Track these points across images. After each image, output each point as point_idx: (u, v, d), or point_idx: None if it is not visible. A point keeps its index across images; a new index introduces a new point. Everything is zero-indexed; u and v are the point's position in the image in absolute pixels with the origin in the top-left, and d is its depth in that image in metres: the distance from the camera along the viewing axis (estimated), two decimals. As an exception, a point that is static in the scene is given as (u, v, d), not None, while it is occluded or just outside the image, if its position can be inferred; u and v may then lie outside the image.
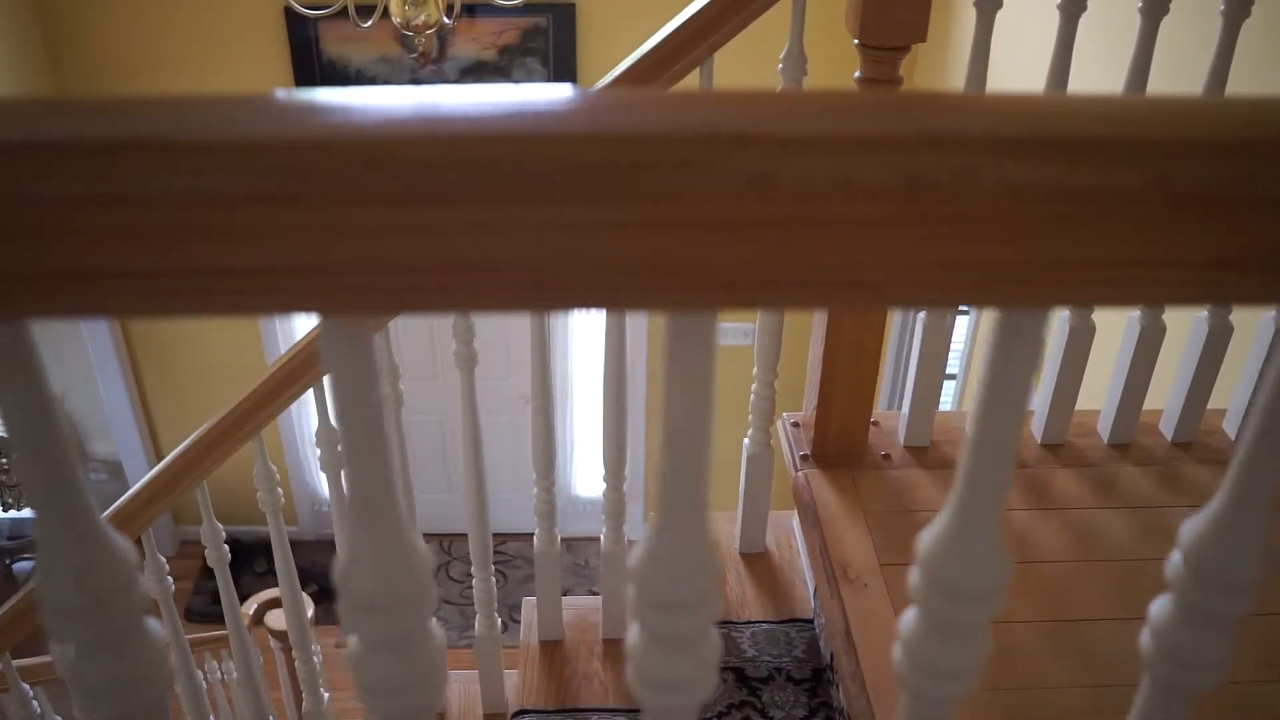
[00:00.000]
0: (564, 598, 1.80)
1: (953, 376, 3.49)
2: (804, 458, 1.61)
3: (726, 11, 1.29)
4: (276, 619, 2.95)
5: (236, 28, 3.78)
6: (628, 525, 1.75)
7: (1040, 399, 1.68)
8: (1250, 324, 1.61)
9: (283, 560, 1.74)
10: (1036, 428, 1.69)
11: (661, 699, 0.46)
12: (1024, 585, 1.45)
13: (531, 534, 1.74)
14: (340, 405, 0.38)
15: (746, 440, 1.65)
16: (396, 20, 2.51)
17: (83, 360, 4.31)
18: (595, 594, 4.70)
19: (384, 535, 0.41)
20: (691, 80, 1.35)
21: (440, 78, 3.82)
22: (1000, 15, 1.37)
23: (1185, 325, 1.61)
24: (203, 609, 4.45)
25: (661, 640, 0.44)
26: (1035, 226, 0.34)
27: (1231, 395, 1.69)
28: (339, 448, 1.63)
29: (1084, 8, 1.36)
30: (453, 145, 0.31)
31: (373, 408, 0.38)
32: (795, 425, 1.67)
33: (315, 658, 1.91)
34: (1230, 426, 1.69)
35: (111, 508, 1.70)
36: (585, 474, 5.00)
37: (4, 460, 4.43)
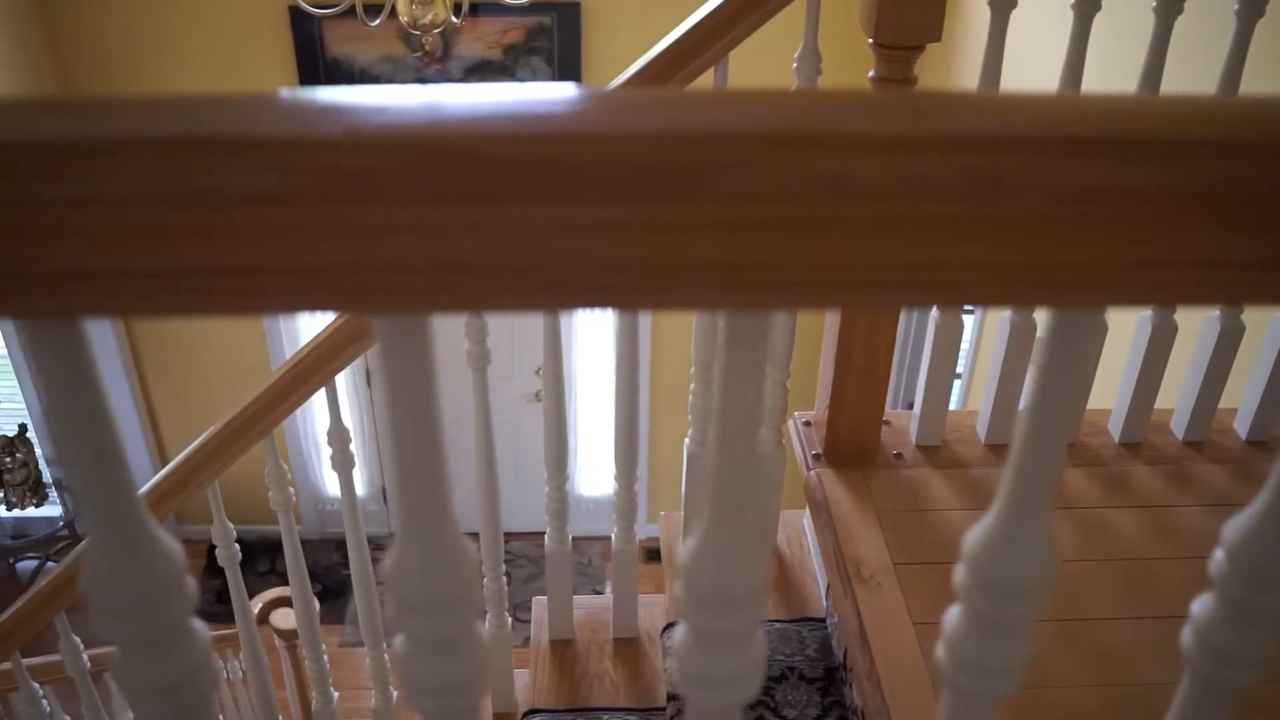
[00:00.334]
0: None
1: (958, 375, 3.50)
2: (816, 457, 1.61)
3: (741, 10, 1.29)
4: (281, 618, 2.95)
5: (241, 27, 3.78)
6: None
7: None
8: (1261, 323, 1.61)
9: (294, 559, 1.73)
10: (1016, 426, 1.69)
11: (707, 697, 0.46)
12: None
13: (533, 533, 1.74)
14: (393, 404, 0.38)
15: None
16: (404, 19, 2.51)
17: (86, 359, 4.31)
18: (599, 593, 4.71)
19: (433, 536, 0.41)
20: (706, 80, 1.35)
21: (445, 77, 3.82)
22: (985, 16, 1.37)
23: (1196, 324, 1.62)
24: (205, 608, 4.45)
25: (708, 638, 0.44)
26: (1100, 226, 0.34)
27: (1243, 395, 1.69)
28: (348, 449, 1.63)
29: (1098, 7, 1.36)
30: (522, 144, 0.31)
31: (426, 407, 0.38)
32: (807, 424, 1.67)
33: (324, 657, 1.91)
34: (1241, 426, 1.70)
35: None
36: (588, 473, 5.01)
37: (7, 460, 4.42)
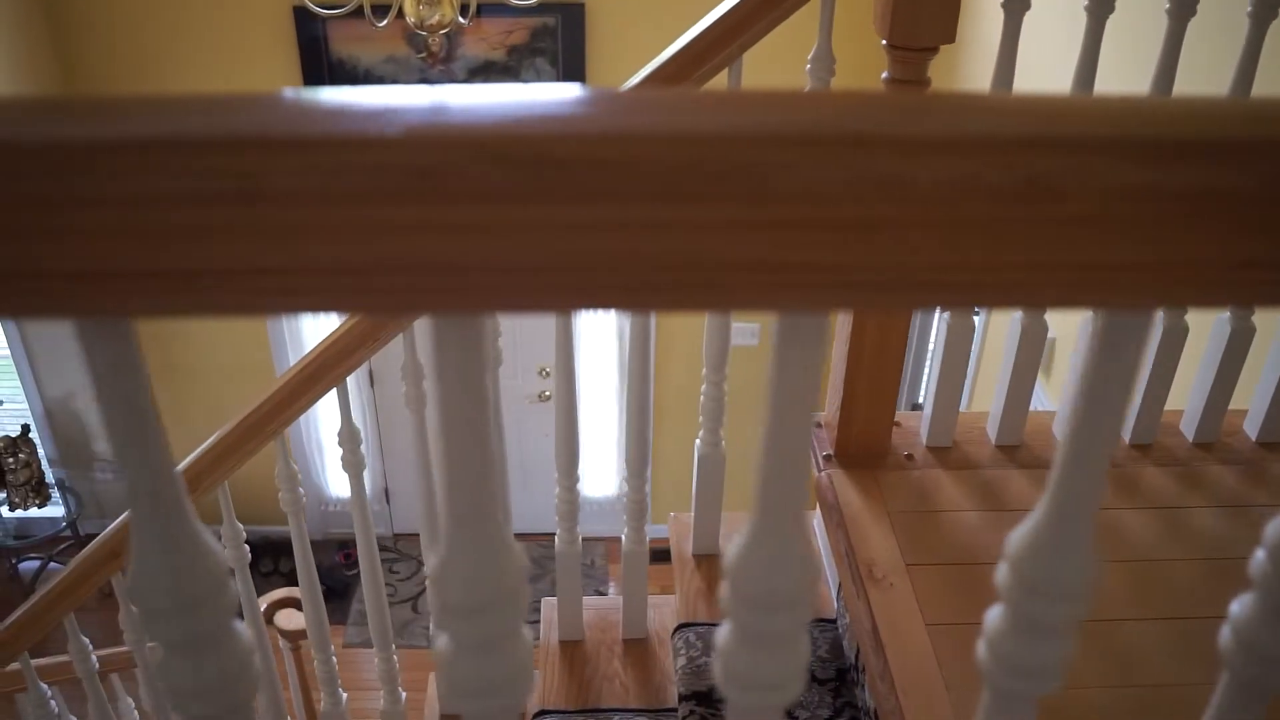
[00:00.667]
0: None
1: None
2: (827, 458, 1.61)
3: (756, 12, 1.29)
4: (285, 619, 2.95)
5: (245, 27, 3.78)
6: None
7: (1062, 399, 1.69)
8: (1272, 325, 1.62)
9: (304, 560, 1.73)
10: (1059, 428, 1.70)
11: (749, 698, 0.46)
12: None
13: (537, 533, 1.74)
14: (444, 405, 0.38)
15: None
16: (411, 20, 2.51)
17: (89, 360, 4.30)
18: (602, 594, 4.68)
19: (482, 538, 0.41)
20: (720, 81, 1.35)
21: (449, 78, 3.82)
22: (994, 18, 1.37)
23: (1206, 326, 1.62)
24: (209, 609, 4.43)
25: (754, 639, 0.44)
26: (1150, 227, 0.34)
27: (1253, 396, 1.70)
28: (359, 450, 1.63)
29: (1111, 8, 1.37)
30: (586, 144, 0.31)
31: (478, 409, 0.38)
32: (818, 425, 1.67)
33: (333, 658, 1.91)
34: (1252, 428, 1.70)
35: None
36: (590, 474, 5.01)
37: (10, 460, 4.42)
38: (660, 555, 1.76)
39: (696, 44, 1.28)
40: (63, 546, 4.68)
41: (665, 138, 0.31)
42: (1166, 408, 1.66)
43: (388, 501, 4.97)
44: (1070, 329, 1.61)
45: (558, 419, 1.57)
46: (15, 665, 1.98)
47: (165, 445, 0.41)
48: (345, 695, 1.96)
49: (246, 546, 1.75)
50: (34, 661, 1.99)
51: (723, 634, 0.45)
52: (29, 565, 4.72)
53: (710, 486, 1.69)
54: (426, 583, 4.66)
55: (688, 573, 1.72)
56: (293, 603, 2.89)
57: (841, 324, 1.57)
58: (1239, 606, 0.49)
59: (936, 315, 3.98)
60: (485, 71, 3.83)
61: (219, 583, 0.43)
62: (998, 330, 2.92)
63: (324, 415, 4.46)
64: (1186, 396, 1.69)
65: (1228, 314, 1.58)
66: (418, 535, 4.90)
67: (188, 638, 0.44)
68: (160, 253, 0.33)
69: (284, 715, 2.00)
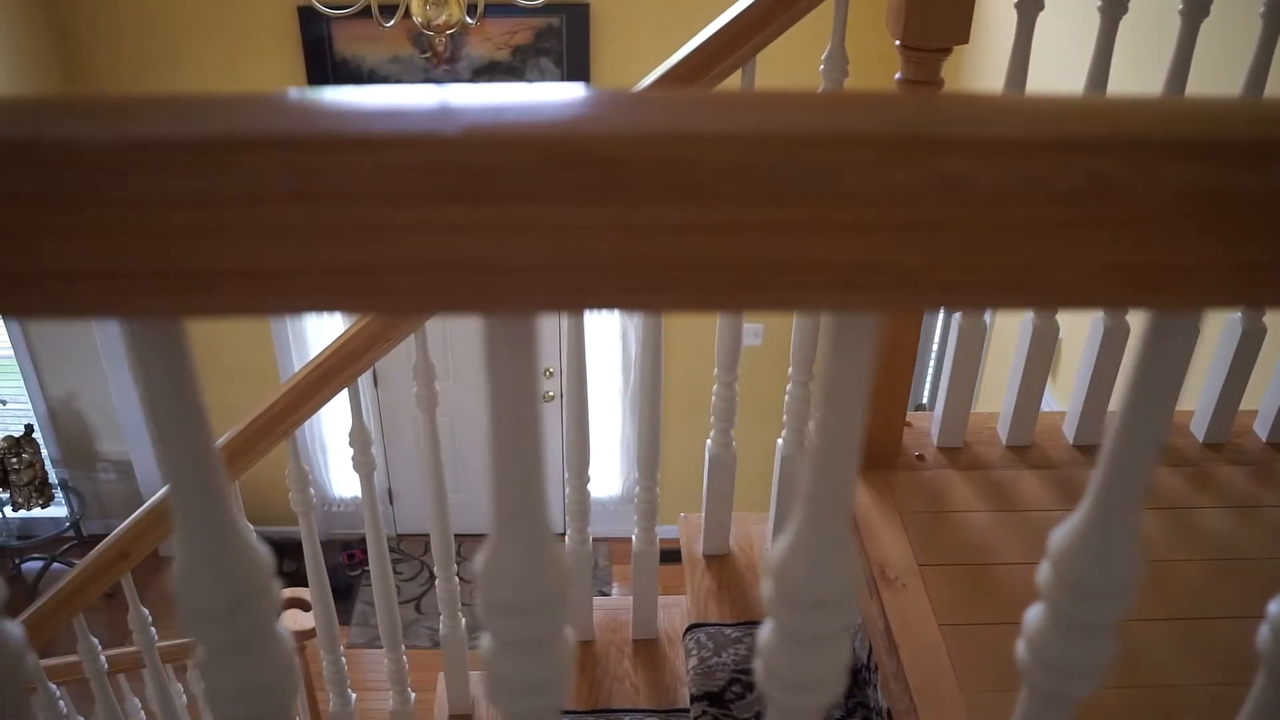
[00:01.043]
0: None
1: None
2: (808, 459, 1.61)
3: (770, 13, 1.29)
4: (289, 619, 2.94)
5: (249, 27, 3.78)
6: (630, 525, 1.74)
7: (1073, 400, 1.69)
8: (1281, 325, 1.62)
9: (314, 561, 1.73)
10: (1069, 429, 1.70)
11: (790, 698, 0.46)
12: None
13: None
14: (494, 405, 0.38)
15: (780, 441, 1.65)
16: (418, 20, 2.51)
17: (93, 359, 4.31)
18: (605, 594, 4.67)
19: (529, 538, 0.41)
20: (733, 81, 1.35)
21: (453, 78, 3.82)
22: (1003, 19, 1.37)
23: (1216, 327, 1.62)
24: (212, 609, 4.44)
25: (796, 639, 0.44)
26: (1206, 229, 0.34)
27: (1263, 397, 1.70)
28: (372, 450, 1.62)
29: (1124, 9, 1.37)
30: (649, 145, 0.31)
31: (529, 408, 0.38)
32: (828, 426, 1.67)
33: (342, 659, 1.91)
34: (1262, 428, 1.70)
35: (144, 506, 1.70)
36: (594, 474, 5.00)
37: (14, 460, 4.42)
38: (668, 555, 1.76)
39: (711, 44, 1.28)
40: (66, 547, 4.68)
41: (731, 138, 0.31)
42: (1177, 407, 1.66)
43: (391, 502, 4.97)
44: (1074, 330, 1.61)
45: (569, 419, 1.57)
46: (24, 665, 1.97)
47: (213, 446, 0.41)
48: (354, 696, 1.95)
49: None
50: (41, 662, 1.99)
51: (765, 633, 0.45)
52: (32, 565, 4.71)
53: (721, 487, 1.69)
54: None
55: (698, 573, 1.72)
56: (297, 603, 2.88)
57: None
58: (1276, 607, 0.49)
59: (940, 316, 3.97)
60: (489, 72, 3.83)
61: (263, 583, 0.43)
62: (1001, 330, 2.92)
63: (327, 416, 4.46)
64: (1196, 397, 1.69)
65: (1239, 314, 1.58)
66: (421, 536, 4.90)
67: (231, 638, 0.44)
68: (215, 251, 0.33)
69: (293, 715, 2.00)
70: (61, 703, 2.10)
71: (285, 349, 4.34)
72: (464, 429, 4.58)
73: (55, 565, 4.62)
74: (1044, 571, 0.46)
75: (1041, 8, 1.36)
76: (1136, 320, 1.60)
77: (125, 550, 1.79)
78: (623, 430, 4.79)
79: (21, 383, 4.57)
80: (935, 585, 1.43)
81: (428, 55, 3.82)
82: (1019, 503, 1.59)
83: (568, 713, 1.73)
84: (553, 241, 0.32)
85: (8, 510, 4.59)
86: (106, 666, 1.95)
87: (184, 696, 2.46)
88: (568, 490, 1.67)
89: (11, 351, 4.50)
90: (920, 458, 1.64)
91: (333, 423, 4.51)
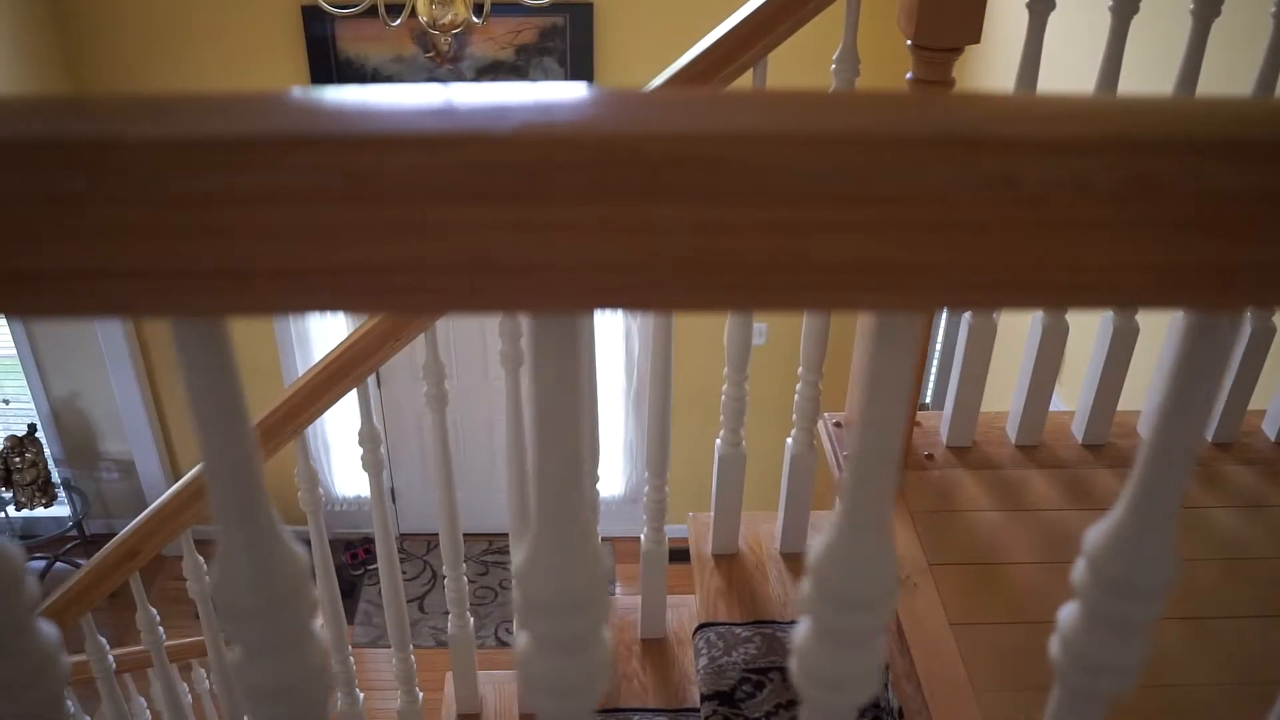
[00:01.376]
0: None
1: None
2: (848, 458, 1.61)
3: (782, 12, 1.29)
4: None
5: (252, 26, 3.78)
6: (634, 524, 1.74)
7: (1082, 400, 1.69)
8: (1291, 325, 1.62)
9: (322, 561, 1.73)
10: (1078, 428, 1.70)
11: (826, 696, 0.46)
12: (1064, 584, 1.46)
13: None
14: (539, 404, 0.38)
15: (790, 440, 1.65)
16: (423, 19, 2.50)
17: (96, 359, 4.31)
18: (609, 594, 4.70)
19: (571, 536, 0.41)
20: (745, 81, 1.35)
21: (457, 77, 3.82)
22: (1012, 18, 1.37)
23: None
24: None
25: (834, 637, 0.44)
26: (1251, 229, 0.34)
27: (1272, 397, 1.70)
28: (382, 449, 1.62)
29: (1136, 9, 1.37)
30: (696, 144, 0.31)
31: (573, 409, 0.38)
32: (838, 425, 1.67)
33: (350, 659, 1.91)
34: (1270, 428, 1.70)
35: (154, 504, 1.70)
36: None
37: (17, 460, 4.42)
38: (674, 555, 1.76)
39: (723, 43, 1.28)
40: (69, 546, 4.68)
41: (782, 138, 0.31)
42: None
43: (393, 501, 4.97)
44: (1078, 330, 1.62)
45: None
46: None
47: (254, 446, 0.41)
48: (362, 695, 1.95)
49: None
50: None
51: (801, 631, 0.45)
52: (35, 565, 4.71)
53: (730, 486, 1.69)
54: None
55: (707, 572, 1.72)
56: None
57: (863, 323, 1.57)
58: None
59: (944, 316, 3.96)
60: (493, 71, 3.83)
61: (301, 584, 0.43)
62: (1005, 330, 2.91)
63: (330, 415, 4.45)
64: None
65: (1247, 314, 1.58)
66: (423, 535, 4.90)
67: (269, 639, 0.44)
68: (264, 251, 0.33)
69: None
70: (69, 702, 2.10)
71: (288, 349, 4.34)
72: (466, 429, 4.58)
73: (58, 565, 4.62)
74: (1079, 569, 0.46)
75: (1053, 7, 1.36)
76: (1146, 320, 1.60)
77: (134, 549, 1.79)
78: (625, 430, 4.79)
79: (25, 382, 4.57)
80: (945, 584, 1.44)
81: (431, 55, 3.82)
82: (1028, 502, 1.59)
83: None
84: (604, 241, 0.33)
85: (11, 510, 4.59)
86: (115, 666, 1.95)
87: (189, 696, 2.46)
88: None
89: (14, 351, 4.50)
90: (930, 457, 1.65)
91: (335, 422, 4.51)
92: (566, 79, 3.84)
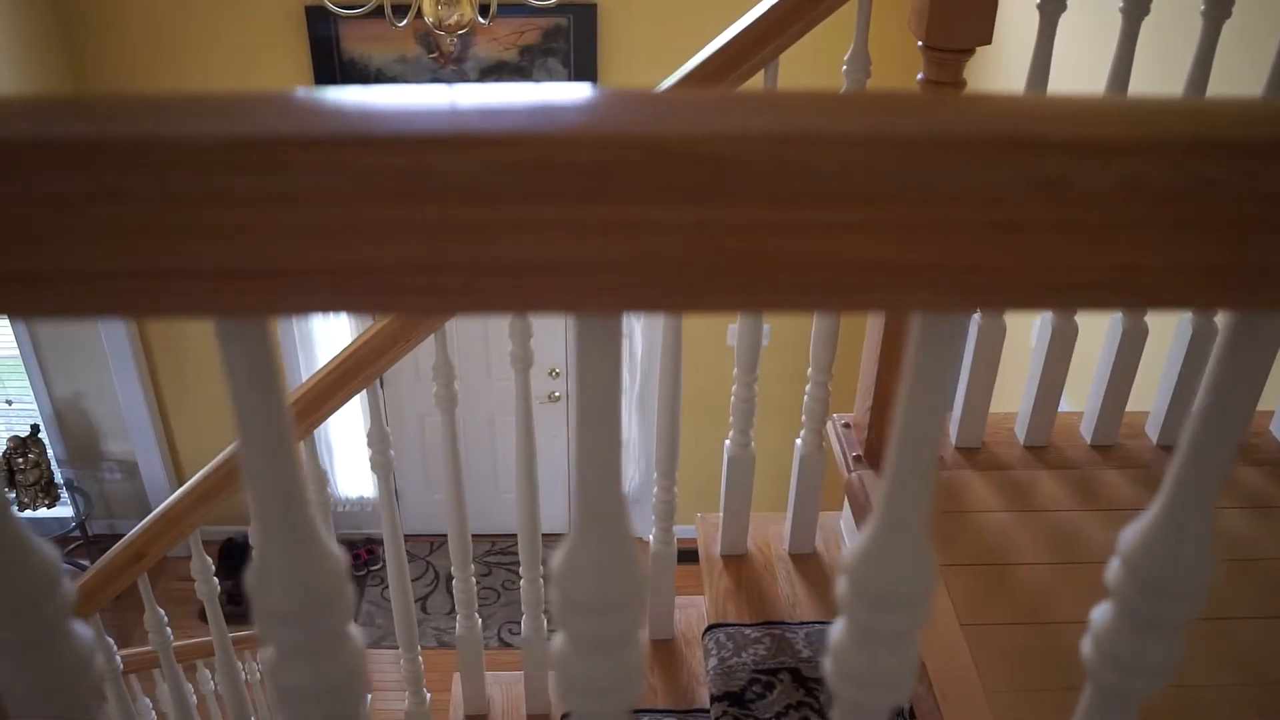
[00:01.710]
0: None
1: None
2: (856, 458, 1.62)
3: (795, 12, 1.29)
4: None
5: (256, 27, 3.78)
6: (641, 525, 1.75)
7: (1091, 401, 1.69)
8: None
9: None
10: (1086, 429, 1.70)
11: (861, 695, 0.46)
12: (1076, 585, 1.46)
13: (559, 534, 1.74)
14: (584, 406, 0.38)
15: (799, 441, 1.65)
16: (429, 20, 2.51)
17: (100, 360, 4.30)
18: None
19: (610, 536, 0.41)
20: (756, 82, 1.35)
21: (461, 78, 3.82)
22: (1021, 19, 1.37)
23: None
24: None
25: (870, 638, 0.44)
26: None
27: (1280, 398, 1.70)
28: (390, 451, 1.62)
29: (1146, 10, 1.37)
30: (752, 144, 0.31)
31: (615, 409, 0.38)
32: (846, 426, 1.67)
33: (358, 658, 1.90)
34: (1278, 429, 1.70)
35: (162, 506, 1.70)
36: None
37: (20, 460, 4.41)
38: (682, 556, 1.76)
39: (736, 44, 1.28)
40: (71, 547, 4.68)
41: (836, 139, 0.31)
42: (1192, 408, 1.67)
43: (396, 502, 4.97)
44: (1086, 332, 1.62)
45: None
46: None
47: (296, 449, 0.41)
48: (370, 696, 1.95)
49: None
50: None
51: (837, 631, 0.45)
52: (37, 566, 4.70)
53: (739, 487, 1.69)
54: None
55: (716, 573, 1.72)
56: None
57: (873, 324, 1.57)
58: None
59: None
60: (497, 72, 3.83)
61: (340, 585, 0.43)
62: (1013, 331, 2.91)
63: (332, 416, 4.45)
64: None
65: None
66: (426, 536, 4.89)
67: (306, 640, 0.44)
68: (321, 250, 0.33)
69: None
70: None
71: (291, 350, 4.33)
72: (468, 430, 4.58)
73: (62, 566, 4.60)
74: (1114, 569, 0.46)
75: (1064, 8, 1.36)
76: (1155, 321, 1.60)
77: (141, 551, 1.78)
78: (628, 431, 4.79)
79: (28, 383, 4.56)
80: (955, 585, 1.44)
81: (435, 55, 3.82)
82: (1038, 503, 1.59)
83: (584, 713, 1.73)
84: (662, 241, 0.33)
85: (14, 510, 4.58)
86: (123, 666, 1.95)
87: (194, 697, 2.46)
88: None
89: (17, 351, 4.50)
90: (939, 458, 1.65)
91: (337, 422, 4.51)
92: (570, 80, 3.84)
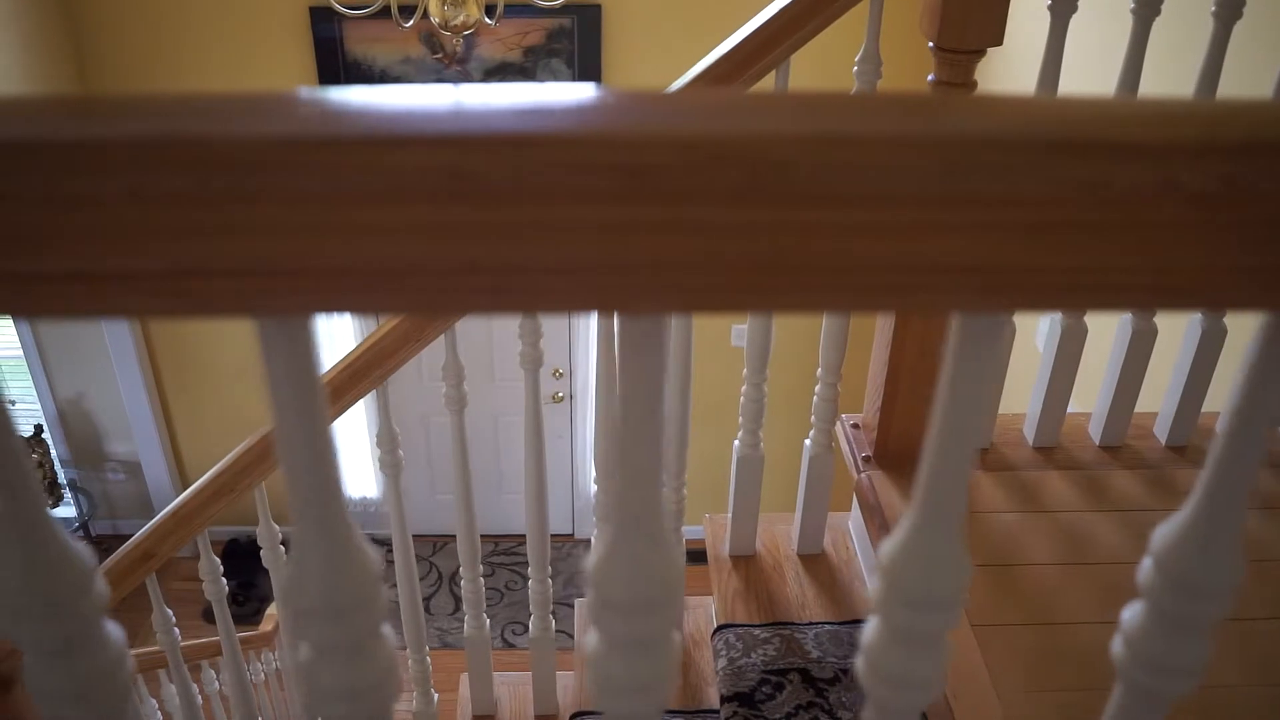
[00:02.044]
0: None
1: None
2: (866, 459, 1.62)
3: (807, 12, 1.29)
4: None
5: (260, 27, 3.78)
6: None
7: (1100, 402, 1.69)
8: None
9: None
10: (1095, 429, 1.70)
11: (893, 694, 0.46)
12: (1086, 585, 1.46)
13: (566, 535, 1.74)
14: (628, 406, 0.38)
15: (808, 442, 1.65)
16: (435, 20, 2.51)
17: (103, 360, 4.31)
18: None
19: (649, 537, 0.41)
20: (767, 83, 1.35)
21: (464, 78, 3.82)
22: (1027, 20, 1.37)
23: (1245, 329, 1.62)
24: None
25: (904, 638, 0.44)
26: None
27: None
28: (400, 451, 1.62)
29: (1157, 11, 1.37)
30: (807, 146, 0.31)
31: (658, 410, 0.38)
32: (855, 427, 1.67)
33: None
34: (1287, 429, 1.70)
35: (171, 505, 1.70)
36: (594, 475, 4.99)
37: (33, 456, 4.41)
38: (690, 556, 1.76)
39: (748, 44, 1.28)
40: (74, 547, 4.67)
41: (885, 141, 0.31)
42: (1202, 409, 1.67)
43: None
44: (1094, 333, 1.62)
45: (600, 418, 1.57)
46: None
47: (332, 448, 0.41)
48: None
49: (282, 549, 1.75)
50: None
51: (870, 630, 0.45)
52: (40, 566, 4.70)
53: (748, 488, 1.69)
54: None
55: (724, 574, 1.72)
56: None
57: (881, 325, 1.58)
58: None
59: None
60: (501, 72, 3.83)
61: (374, 587, 0.44)
62: (1019, 331, 2.91)
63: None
64: (1222, 399, 1.69)
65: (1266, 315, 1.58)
66: (428, 537, 4.90)
67: (341, 640, 0.44)
68: (345, 248, 0.33)
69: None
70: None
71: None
72: (472, 430, 4.57)
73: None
74: (1146, 569, 0.46)
75: (1075, 9, 1.36)
76: (1165, 322, 1.60)
77: (149, 551, 1.79)
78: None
79: (31, 383, 4.56)
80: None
81: (439, 56, 3.83)
82: (1047, 504, 1.60)
83: (588, 713, 1.73)
84: (708, 242, 0.33)
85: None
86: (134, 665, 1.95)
87: (199, 697, 2.46)
88: (594, 490, 1.67)
89: (20, 351, 4.50)
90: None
91: (340, 423, 4.51)
92: (574, 80, 3.84)
